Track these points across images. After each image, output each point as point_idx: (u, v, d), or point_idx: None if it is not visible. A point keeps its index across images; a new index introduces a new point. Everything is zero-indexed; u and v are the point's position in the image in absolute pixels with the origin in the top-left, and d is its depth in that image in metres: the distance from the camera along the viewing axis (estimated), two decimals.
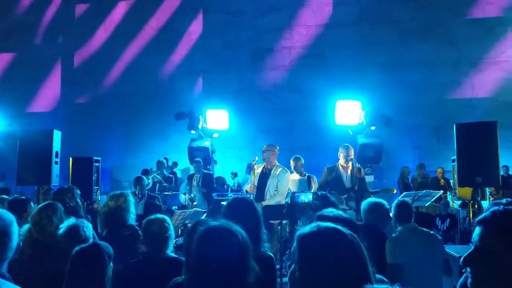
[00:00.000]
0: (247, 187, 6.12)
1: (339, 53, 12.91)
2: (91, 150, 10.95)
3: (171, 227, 3.03)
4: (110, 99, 13.81)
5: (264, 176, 6.03)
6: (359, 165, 7.01)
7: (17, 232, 1.92)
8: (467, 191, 6.31)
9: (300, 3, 13.40)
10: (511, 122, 11.29)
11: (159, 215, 3.09)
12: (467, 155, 5.38)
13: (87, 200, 7.00)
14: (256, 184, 5.96)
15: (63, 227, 2.94)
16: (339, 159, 6.29)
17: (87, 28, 14.29)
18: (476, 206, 5.88)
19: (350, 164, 6.15)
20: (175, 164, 11.73)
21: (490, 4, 12.37)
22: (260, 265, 1.76)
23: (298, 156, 6.77)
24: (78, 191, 4.98)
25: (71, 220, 2.96)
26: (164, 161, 9.86)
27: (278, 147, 6.25)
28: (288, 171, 6.22)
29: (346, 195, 5.96)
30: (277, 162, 6.15)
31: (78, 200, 4.95)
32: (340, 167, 6.23)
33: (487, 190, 8.09)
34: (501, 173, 9.24)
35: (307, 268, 1.40)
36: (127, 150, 13.52)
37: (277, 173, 6.00)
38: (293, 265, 1.50)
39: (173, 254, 2.97)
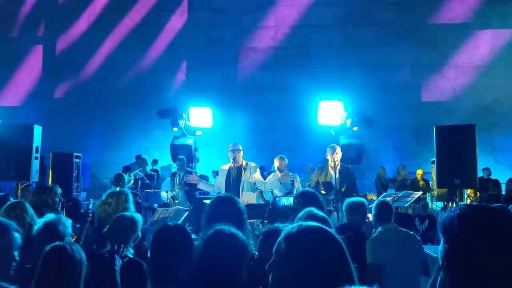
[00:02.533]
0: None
1: (323, 53, 13.00)
2: (69, 145, 10.78)
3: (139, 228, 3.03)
4: (90, 93, 13.60)
5: (238, 175, 6.06)
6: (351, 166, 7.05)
7: None
8: (445, 192, 6.43)
9: (286, 3, 13.43)
10: (490, 126, 11.58)
11: (128, 214, 3.09)
12: (446, 157, 5.48)
13: (66, 197, 6.89)
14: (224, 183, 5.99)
15: (39, 223, 2.88)
16: (326, 159, 6.35)
17: (68, 19, 14.03)
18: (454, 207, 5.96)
19: (338, 164, 6.20)
20: (155, 161, 11.64)
21: (471, 10, 12.62)
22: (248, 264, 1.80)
23: (282, 156, 6.79)
24: (59, 190, 4.90)
25: (48, 216, 2.90)
26: (147, 158, 9.78)
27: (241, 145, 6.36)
28: (258, 167, 6.33)
29: (333, 196, 5.99)
30: (243, 160, 6.26)
31: (56, 199, 4.85)
32: (329, 167, 6.28)
33: (466, 191, 8.27)
34: (482, 175, 9.48)
35: (293, 266, 1.41)
36: (108, 146, 13.34)
37: (250, 171, 6.07)
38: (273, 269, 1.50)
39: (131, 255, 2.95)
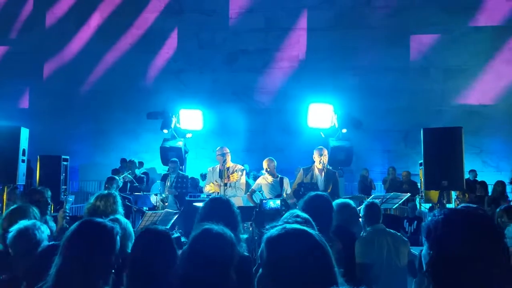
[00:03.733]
0: (208, 187, 6.26)
1: (313, 56, 13.07)
2: (57, 148, 10.69)
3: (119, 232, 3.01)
4: (79, 95, 13.50)
5: (226, 177, 6.16)
6: (331, 167, 7.10)
7: None
8: (434, 194, 6.49)
9: (276, 6, 13.49)
10: (477, 129, 11.73)
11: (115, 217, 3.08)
12: (433, 159, 5.54)
13: (54, 201, 6.82)
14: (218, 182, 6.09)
15: (12, 230, 2.74)
16: (313, 161, 6.37)
17: (59, 21, 13.92)
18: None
19: (325, 166, 6.24)
20: (141, 164, 11.57)
21: (457, 15, 12.79)
22: (237, 265, 1.79)
23: (271, 158, 6.81)
24: (49, 192, 4.85)
25: (22, 223, 2.79)
26: (136, 160, 9.72)
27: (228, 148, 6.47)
28: (244, 168, 6.44)
29: None
30: (231, 162, 6.34)
31: (36, 209, 4.76)
32: (315, 169, 6.31)
33: (453, 193, 8.35)
34: (468, 177, 9.59)
35: (275, 269, 1.40)
36: (96, 149, 13.25)
37: (234, 172, 6.20)
38: (260, 269, 1.51)
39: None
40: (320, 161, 6.23)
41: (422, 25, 12.92)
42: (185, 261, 1.78)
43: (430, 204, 7.19)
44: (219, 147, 6.44)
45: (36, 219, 3.19)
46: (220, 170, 6.18)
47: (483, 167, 11.87)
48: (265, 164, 6.73)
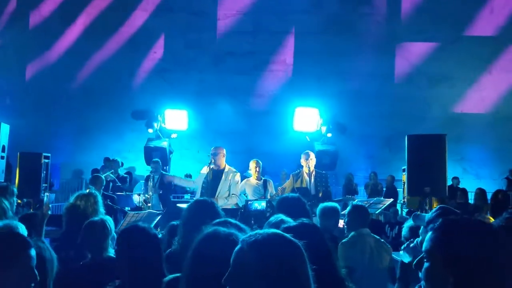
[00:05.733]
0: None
1: (300, 60, 13.14)
2: (38, 145, 10.50)
3: (112, 228, 2.98)
4: (63, 93, 13.29)
5: (215, 179, 5.95)
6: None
7: None
8: (415, 201, 6.55)
9: (265, 9, 13.51)
10: (460, 136, 11.92)
11: (102, 217, 3.03)
12: (416, 166, 5.60)
13: (34, 198, 6.69)
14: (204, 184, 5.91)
15: None
16: (301, 166, 6.39)
17: (41, 17, 13.69)
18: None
19: (313, 170, 6.26)
20: (121, 164, 11.41)
21: (444, 24, 13.01)
22: None
23: (258, 160, 6.80)
24: (15, 190, 4.71)
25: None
26: (118, 159, 9.60)
27: (225, 149, 6.18)
28: (238, 172, 6.20)
29: (310, 202, 6.02)
30: (226, 164, 6.10)
31: (7, 201, 4.58)
32: (304, 174, 6.32)
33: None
34: (451, 183, 9.73)
35: (251, 277, 1.37)
36: (78, 147, 13.05)
37: (229, 177, 5.96)
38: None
39: (112, 255, 2.89)
40: (307, 165, 6.26)
41: (409, 33, 13.10)
42: (195, 263, 1.71)
43: (411, 209, 7.28)
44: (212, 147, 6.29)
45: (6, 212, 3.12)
46: (211, 171, 5.97)
47: (463, 174, 12.07)
48: (252, 165, 6.71)
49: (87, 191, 3.74)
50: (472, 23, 12.96)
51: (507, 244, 1.35)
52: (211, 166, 5.92)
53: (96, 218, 3.02)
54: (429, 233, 1.41)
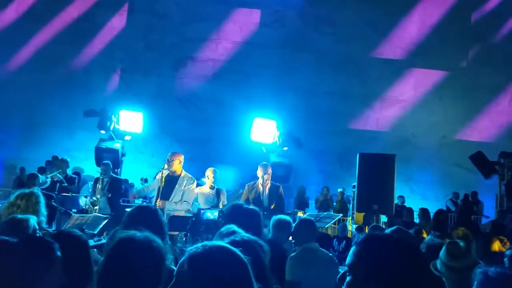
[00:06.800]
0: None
1: (260, 72, 13.26)
2: None
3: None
4: (10, 83, 12.64)
5: (170, 184, 5.91)
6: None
7: None
8: (361, 216, 6.75)
9: (228, 18, 13.57)
10: (408, 157, 12.42)
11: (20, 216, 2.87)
12: (366, 183, 5.78)
13: None
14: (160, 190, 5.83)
15: None
16: (257, 177, 6.41)
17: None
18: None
19: (268, 182, 6.29)
20: (48, 162, 10.99)
21: (398, 47, 13.60)
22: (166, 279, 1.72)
23: (215, 169, 6.76)
24: None
25: None
26: (68, 159, 9.22)
27: (183, 155, 6.16)
28: (195, 180, 6.18)
29: (263, 214, 6.03)
30: (183, 171, 6.07)
31: None
32: (259, 185, 6.35)
33: (383, 217, 8.74)
34: (396, 202, 10.08)
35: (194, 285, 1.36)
36: (24, 142, 12.45)
37: (184, 183, 5.93)
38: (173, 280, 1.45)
39: None
40: (262, 176, 6.29)
41: (365, 54, 13.57)
42: (104, 271, 1.64)
43: (359, 225, 7.48)
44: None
45: None
46: (165, 176, 5.91)
47: (410, 194, 12.54)
48: (209, 173, 6.65)
49: (29, 190, 3.52)
50: (428, 49, 13.61)
51: (425, 260, 1.42)
52: (164, 172, 5.86)
53: (19, 216, 2.84)
54: (352, 248, 1.45)
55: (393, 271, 1.34)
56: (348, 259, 1.43)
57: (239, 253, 1.46)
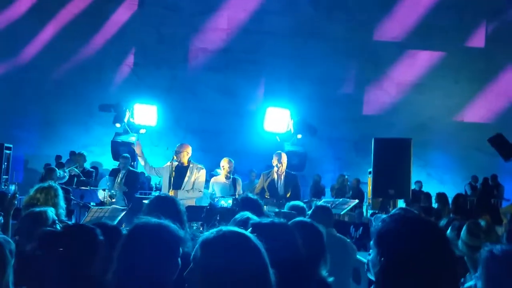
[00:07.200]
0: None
1: (273, 61, 13.17)
2: (2, 136, 10.14)
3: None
4: (28, 83, 12.84)
5: (180, 174, 6.08)
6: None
7: None
8: (379, 202, 6.69)
9: (240, 8, 13.48)
10: (425, 142, 12.25)
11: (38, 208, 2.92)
12: (382, 168, 5.72)
13: None
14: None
15: None
16: (271, 165, 6.42)
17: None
18: None
19: (283, 171, 6.29)
20: (58, 157, 11.18)
21: (413, 31, 13.35)
22: (184, 265, 1.72)
23: (230, 159, 6.78)
24: None
25: None
26: (85, 153, 9.34)
27: (190, 147, 6.32)
28: (204, 168, 6.34)
29: (278, 202, 6.06)
30: (191, 161, 6.24)
31: None
32: (274, 174, 6.36)
33: (400, 202, 8.66)
34: (414, 187, 9.97)
35: (209, 274, 1.36)
36: (44, 139, 12.67)
37: (194, 172, 6.12)
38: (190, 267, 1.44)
39: None
40: (276, 165, 6.30)
41: (381, 39, 13.35)
42: (121, 257, 1.64)
43: (375, 211, 7.42)
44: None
45: None
46: (175, 167, 6.04)
47: (428, 179, 12.39)
48: (224, 163, 6.68)
49: (47, 184, 3.60)
50: (445, 33, 13.32)
51: (448, 240, 1.42)
52: (174, 163, 5.96)
53: (37, 209, 2.91)
54: (376, 226, 1.50)
55: (416, 250, 1.34)
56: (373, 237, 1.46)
57: (253, 238, 1.46)
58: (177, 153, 6.08)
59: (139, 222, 1.73)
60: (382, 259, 1.37)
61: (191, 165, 6.16)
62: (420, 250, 1.34)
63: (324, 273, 2.34)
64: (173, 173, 5.96)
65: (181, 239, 1.72)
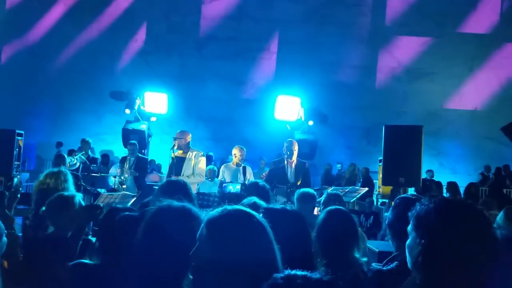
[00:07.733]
0: None
1: (283, 49, 13.08)
2: (14, 123, 10.24)
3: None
4: (40, 71, 12.95)
5: (180, 160, 6.16)
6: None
7: None
8: (389, 190, 6.62)
9: None
10: (437, 131, 12.11)
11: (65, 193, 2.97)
12: (392, 156, 5.66)
13: (6, 177, 6.52)
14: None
15: None
16: (282, 153, 6.42)
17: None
18: None
19: (294, 158, 6.28)
20: (59, 143, 11.30)
21: (428, 19, 13.10)
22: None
23: (242, 147, 6.79)
24: None
25: None
26: (90, 140, 9.41)
27: (190, 134, 6.36)
28: (203, 153, 6.40)
29: (289, 190, 6.05)
30: (191, 147, 6.31)
31: None
32: (285, 161, 6.35)
33: (411, 191, 8.58)
34: (425, 176, 9.89)
35: (215, 252, 1.36)
36: (56, 128, 12.80)
37: (192, 156, 6.18)
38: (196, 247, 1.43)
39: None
40: (287, 153, 6.28)
41: (393, 26, 13.16)
42: (143, 238, 1.64)
43: (385, 200, 7.37)
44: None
45: None
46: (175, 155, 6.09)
47: (440, 169, 12.28)
48: (236, 151, 6.68)
49: (57, 169, 3.64)
50: (458, 20, 13.08)
51: (491, 224, 1.41)
52: (175, 152, 6.00)
53: (66, 193, 2.95)
54: (412, 211, 1.47)
55: (456, 231, 1.32)
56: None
57: (258, 216, 1.46)
58: (177, 139, 6.12)
59: (162, 204, 1.72)
60: (423, 241, 1.35)
61: (190, 152, 6.22)
62: (461, 231, 1.32)
63: (356, 254, 2.46)
64: (174, 159, 6.00)
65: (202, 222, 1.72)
